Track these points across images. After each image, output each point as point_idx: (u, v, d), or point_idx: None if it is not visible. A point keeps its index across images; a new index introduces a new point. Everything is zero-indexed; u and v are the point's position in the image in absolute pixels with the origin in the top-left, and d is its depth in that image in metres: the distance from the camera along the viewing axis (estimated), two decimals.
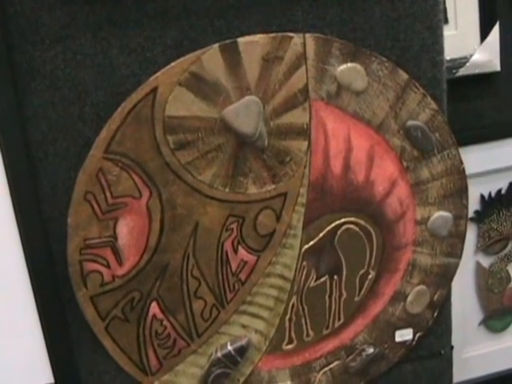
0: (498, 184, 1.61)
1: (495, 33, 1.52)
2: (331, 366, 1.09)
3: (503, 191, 1.62)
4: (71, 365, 1.00)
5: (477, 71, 1.39)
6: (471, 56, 1.42)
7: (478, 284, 1.69)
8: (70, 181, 0.92)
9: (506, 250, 1.76)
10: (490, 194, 1.54)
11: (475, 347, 1.68)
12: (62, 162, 0.91)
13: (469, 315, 1.58)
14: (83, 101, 0.90)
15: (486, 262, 1.69)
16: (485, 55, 1.49)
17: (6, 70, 0.86)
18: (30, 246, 0.93)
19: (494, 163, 1.55)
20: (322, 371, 1.09)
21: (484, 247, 1.64)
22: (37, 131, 0.89)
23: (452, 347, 1.18)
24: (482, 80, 1.47)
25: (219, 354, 1.03)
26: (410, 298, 1.08)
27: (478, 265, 1.62)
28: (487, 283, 1.72)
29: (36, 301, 0.96)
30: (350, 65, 0.95)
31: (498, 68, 1.53)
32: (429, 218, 1.05)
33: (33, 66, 0.87)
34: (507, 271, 1.76)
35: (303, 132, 0.96)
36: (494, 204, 1.61)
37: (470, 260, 1.54)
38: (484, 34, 1.52)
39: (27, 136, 0.89)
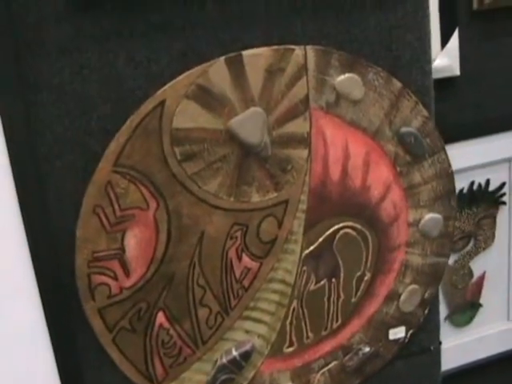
0: (460, 184, 1.67)
1: (455, 39, 1.58)
2: (329, 366, 1.12)
3: (465, 191, 1.69)
4: (78, 377, 1.01)
5: (438, 76, 1.44)
6: (433, 61, 1.47)
7: (443, 280, 1.74)
8: (77, 194, 0.92)
9: (468, 248, 1.83)
10: None
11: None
12: (69, 175, 0.92)
13: None
14: (90, 114, 0.91)
15: (449, 259, 1.75)
16: (445, 60, 1.55)
17: (13, 82, 0.86)
18: (38, 259, 0.93)
19: (456, 164, 1.60)
20: (320, 372, 1.12)
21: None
22: (43, 144, 0.90)
23: (440, 343, 1.22)
24: (443, 84, 1.53)
25: (224, 360, 1.05)
26: (403, 298, 1.12)
27: None
28: (451, 279, 1.79)
29: (44, 312, 0.97)
30: (348, 75, 0.99)
31: (457, 72, 1.60)
32: (420, 219, 1.09)
33: (39, 79, 0.88)
34: (469, 267, 1.83)
35: (304, 140, 0.99)
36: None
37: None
38: (444, 40, 1.58)
39: (34, 149, 0.89)
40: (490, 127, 1.71)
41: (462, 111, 1.61)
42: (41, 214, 0.92)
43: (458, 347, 1.81)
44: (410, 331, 1.15)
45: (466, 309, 1.87)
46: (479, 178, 1.75)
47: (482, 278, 1.85)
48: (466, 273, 1.87)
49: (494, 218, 1.83)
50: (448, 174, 1.08)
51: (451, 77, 1.60)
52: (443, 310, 1.73)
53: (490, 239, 1.85)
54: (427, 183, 1.07)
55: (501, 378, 1.94)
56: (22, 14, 0.85)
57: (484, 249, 1.85)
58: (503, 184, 1.78)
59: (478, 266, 1.83)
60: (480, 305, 1.87)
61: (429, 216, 1.09)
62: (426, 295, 1.14)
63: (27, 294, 0.95)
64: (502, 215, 1.83)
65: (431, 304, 1.16)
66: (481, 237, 1.85)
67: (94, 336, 0.99)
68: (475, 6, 1.61)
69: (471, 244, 1.83)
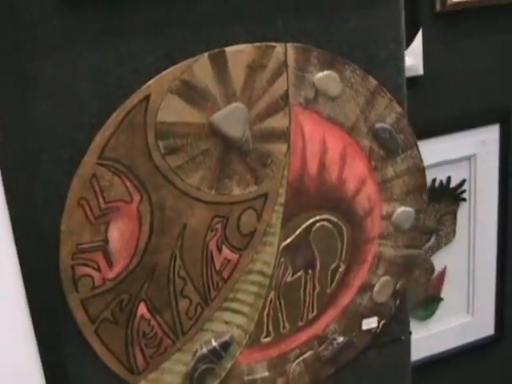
0: None
1: (418, 40, 1.63)
2: (305, 355, 1.16)
3: (427, 187, 1.73)
4: (61, 368, 1.02)
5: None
6: None
7: None
8: (63, 187, 0.94)
9: (430, 243, 1.88)
10: None
11: None
12: (56, 168, 0.93)
13: None
14: (78, 109, 0.92)
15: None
16: (409, 60, 1.60)
17: (3, 78, 0.88)
18: (24, 252, 0.95)
19: None
20: (296, 361, 1.15)
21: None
22: (32, 139, 0.91)
23: (410, 333, 1.27)
24: (407, 83, 1.57)
25: (205, 350, 1.07)
26: (376, 288, 1.16)
27: None
28: (413, 274, 1.84)
29: (28, 304, 0.98)
30: (326, 72, 1.02)
31: (421, 72, 1.65)
32: (393, 213, 1.13)
33: (29, 75, 0.89)
34: (431, 262, 1.88)
35: (283, 135, 1.02)
36: None
37: None
38: (408, 41, 1.63)
39: (22, 143, 0.91)
40: (451, 126, 1.76)
41: (425, 110, 1.66)
42: (28, 207, 0.93)
43: (421, 340, 1.86)
44: (382, 321, 1.19)
45: (428, 303, 1.92)
46: (440, 176, 1.81)
47: (443, 272, 1.91)
48: (428, 268, 1.92)
49: (455, 214, 1.89)
50: (419, 169, 1.12)
51: (415, 76, 1.65)
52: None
53: (450, 235, 1.91)
54: (400, 177, 1.11)
55: (462, 369, 2.00)
56: (12, 11, 0.86)
57: (445, 244, 1.91)
58: (463, 181, 1.85)
59: (439, 261, 1.89)
60: (441, 299, 1.93)
61: (401, 209, 1.13)
62: (398, 286, 1.18)
63: (12, 286, 0.96)
64: (463, 211, 1.89)
65: (402, 295, 1.20)
66: (442, 232, 1.91)
67: (77, 327, 1.00)
68: (438, 7, 1.66)
69: (433, 240, 1.89)
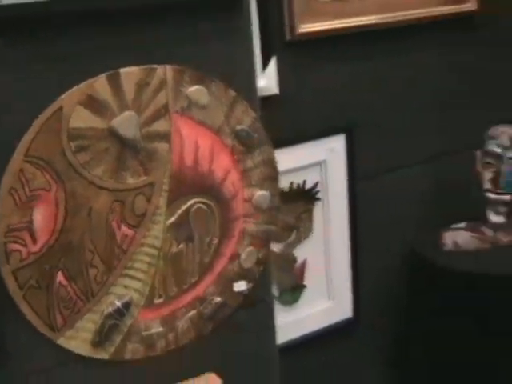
0: (281, 184, 1.95)
1: (272, 64, 1.94)
2: (190, 314, 1.44)
3: (286, 190, 2.03)
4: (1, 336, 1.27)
5: (260, 94, 1.79)
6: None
7: (272, 266, 2.05)
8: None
9: (292, 238, 2.17)
10: None
11: None
12: None
13: None
14: (5, 120, 1.20)
15: (277, 247, 2.09)
16: (266, 82, 1.91)
17: None
18: None
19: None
20: (183, 318, 1.44)
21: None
22: None
23: (272, 295, 1.58)
24: (265, 101, 1.83)
25: (110, 310, 1.35)
26: (243, 257, 1.47)
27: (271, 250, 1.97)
28: (279, 265, 2.11)
29: None
30: (197, 87, 1.34)
31: (276, 91, 1.94)
32: (253, 196, 1.45)
33: None
34: (293, 255, 2.16)
35: (166, 136, 1.33)
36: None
37: None
38: (265, 65, 1.91)
39: None
40: (304, 136, 2.05)
41: (282, 123, 1.92)
42: None
43: (290, 324, 2.09)
44: (250, 284, 1.50)
45: (294, 290, 2.17)
46: (297, 179, 2.10)
47: (304, 263, 2.17)
48: (291, 259, 2.19)
49: (311, 212, 2.17)
50: (272, 161, 1.45)
51: (271, 95, 1.93)
52: (274, 291, 2.03)
53: (309, 230, 2.19)
54: (257, 168, 1.43)
55: (327, 349, 2.23)
56: None
57: (305, 238, 2.16)
58: (317, 183, 2.14)
59: (300, 253, 2.14)
60: (304, 286, 2.18)
61: (259, 193, 1.45)
62: (260, 255, 1.49)
63: None
64: (318, 210, 2.17)
65: (264, 263, 1.51)
66: (301, 228, 2.18)
67: (10, 299, 1.25)
68: (288, 37, 1.95)
69: (294, 235, 2.17)
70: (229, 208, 1.42)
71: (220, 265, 1.45)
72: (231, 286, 1.47)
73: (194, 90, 1.32)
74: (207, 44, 1.33)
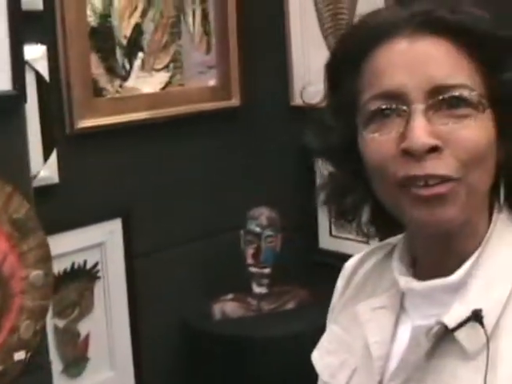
0: (64, 265, 2.21)
1: (54, 155, 2.12)
2: None
3: (68, 270, 2.21)
4: None
5: (42, 183, 2.01)
6: (38, 172, 2.02)
7: (57, 340, 2.23)
8: None
9: (75, 314, 2.33)
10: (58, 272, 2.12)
11: None
12: None
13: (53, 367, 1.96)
14: None
15: (61, 323, 2.24)
16: (47, 172, 2.09)
17: None
18: None
19: (60, 250, 2.08)
20: None
21: (59, 312, 2.19)
22: None
23: (50, 362, 1.77)
24: (47, 190, 2.06)
25: None
26: (22, 329, 1.67)
27: (55, 326, 2.17)
28: (63, 340, 2.23)
29: None
30: None
31: (57, 181, 2.13)
32: (29, 275, 1.66)
33: None
34: (77, 329, 2.28)
35: None
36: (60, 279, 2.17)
37: (49, 323, 1.99)
38: (46, 156, 2.10)
39: None
40: (84, 220, 2.24)
41: (63, 209, 2.11)
42: None
43: None
44: (29, 354, 1.69)
45: (78, 362, 2.30)
46: (78, 259, 2.27)
47: (87, 337, 2.31)
48: (75, 333, 2.32)
49: (93, 289, 2.33)
50: (45, 245, 1.67)
51: (52, 184, 2.12)
52: (59, 365, 2.18)
53: (91, 306, 2.33)
54: (32, 251, 1.66)
55: None
56: None
57: (87, 314, 2.31)
58: (97, 263, 2.32)
59: (84, 327, 2.29)
60: (88, 358, 2.31)
61: (34, 273, 1.66)
62: (37, 327, 1.69)
63: None
64: (99, 286, 2.34)
65: (41, 334, 1.71)
66: (83, 304, 2.33)
67: None
68: (68, 131, 2.17)
69: (77, 311, 2.33)
70: (7, 286, 1.62)
71: (1, 337, 1.63)
72: (12, 356, 1.65)
73: None
74: None
